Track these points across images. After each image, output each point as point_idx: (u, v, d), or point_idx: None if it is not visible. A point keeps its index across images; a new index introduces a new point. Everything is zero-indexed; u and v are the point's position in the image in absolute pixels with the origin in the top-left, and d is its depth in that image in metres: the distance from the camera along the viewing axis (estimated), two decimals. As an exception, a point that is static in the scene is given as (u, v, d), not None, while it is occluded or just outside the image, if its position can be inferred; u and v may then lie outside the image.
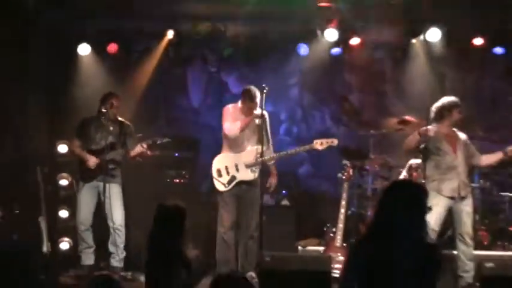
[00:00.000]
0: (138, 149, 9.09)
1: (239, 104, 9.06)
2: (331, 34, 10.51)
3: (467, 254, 8.57)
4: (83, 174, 9.19)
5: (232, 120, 8.94)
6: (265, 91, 8.63)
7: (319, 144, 8.99)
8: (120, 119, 9.31)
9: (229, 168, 8.97)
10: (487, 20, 10.45)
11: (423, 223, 4.68)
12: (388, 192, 4.78)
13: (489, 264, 8.04)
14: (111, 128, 9.15)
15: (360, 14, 10.34)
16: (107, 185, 8.95)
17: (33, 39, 10.13)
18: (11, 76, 9.49)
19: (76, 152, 9.25)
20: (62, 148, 9.97)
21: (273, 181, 9.11)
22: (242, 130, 8.84)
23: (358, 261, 4.57)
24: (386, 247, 4.46)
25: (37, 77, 10.36)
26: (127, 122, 9.37)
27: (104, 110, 9.10)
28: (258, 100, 8.67)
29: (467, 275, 8.52)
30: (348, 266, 4.76)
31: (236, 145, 8.98)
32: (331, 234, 9.19)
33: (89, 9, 10.14)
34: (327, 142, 8.99)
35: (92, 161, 9.01)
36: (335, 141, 9.06)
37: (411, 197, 4.61)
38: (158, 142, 9.34)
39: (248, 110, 8.85)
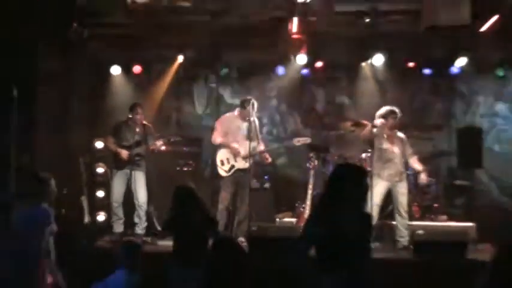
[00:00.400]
0: (157, 144, 9.22)
1: (236, 112, 9.28)
2: (301, 59, 10.55)
3: (402, 224, 8.75)
4: (116, 164, 9.30)
5: (220, 131, 9.21)
6: (251, 102, 8.94)
7: (296, 141, 9.36)
8: (144, 122, 9.41)
9: (229, 159, 9.12)
10: (418, 48, 10.53)
11: (362, 196, 4.73)
12: (336, 173, 4.82)
13: (420, 232, 8.18)
14: (137, 130, 9.26)
15: (322, 43, 10.38)
16: (134, 172, 9.11)
17: (78, 63, 10.21)
18: (61, 90, 9.47)
19: (111, 147, 9.33)
20: (99, 144, 10.04)
21: (268, 159, 9.44)
22: (220, 146, 9.14)
23: (311, 230, 4.58)
24: (334, 216, 4.45)
25: (80, 91, 10.41)
26: (148, 125, 9.50)
27: (131, 116, 9.29)
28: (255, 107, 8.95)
29: (403, 239, 8.68)
30: (302, 234, 4.73)
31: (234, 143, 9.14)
32: (301, 209, 9.33)
33: (119, 40, 10.25)
34: (303, 140, 9.40)
35: (124, 153, 9.11)
36: (308, 140, 9.47)
37: (354, 176, 4.62)
38: (172, 140, 9.56)
39: (247, 115, 9.03)
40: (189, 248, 6.23)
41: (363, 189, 4.70)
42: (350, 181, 4.60)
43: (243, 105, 9.12)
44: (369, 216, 4.89)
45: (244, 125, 9.15)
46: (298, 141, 9.41)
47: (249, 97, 9.20)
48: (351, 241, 4.43)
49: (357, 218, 4.56)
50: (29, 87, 8.33)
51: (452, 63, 10.68)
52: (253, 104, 9.02)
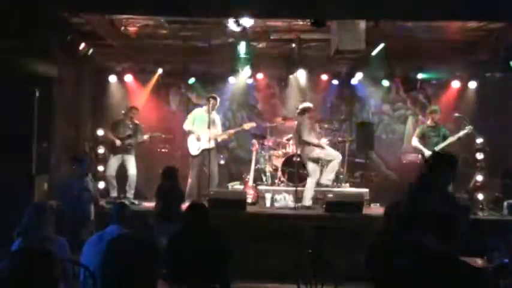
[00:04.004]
0: (144, 138, 9.20)
1: (203, 107, 9.15)
2: (246, 72, 10.34)
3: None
4: (112, 151, 9.11)
5: (190, 121, 9.15)
6: (211, 102, 8.91)
7: (245, 126, 9.47)
8: (135, 121, 9.25)
9: (198, 141, 8.97)
10: (328, 65, 10.48)
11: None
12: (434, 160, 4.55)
13: (330, 195, 8.14)
14: (130, 126, 9.14)
15: (262, 60, 10.26)
16: (126, 156, 9.02)
17: (85, 72, 9.87)
18: (72, 91, 9.23)
19: (110, 138, 9.12)
20: (100, 132, 9.59)
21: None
22: (189, 132, 9.05)
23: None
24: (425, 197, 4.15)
25: (86, 93, 10.10)
26: (139, 123, 9.29)
27: (130, 115, 9.25)
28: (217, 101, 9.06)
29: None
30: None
31: (201, 130, 8.99)
32: (246, 179, 9.22)
33: (115, 56, 10.03)
34: (250, 124, 9.50)
35: (118, 142, 8.97)
36: (254, 124, 9.55)
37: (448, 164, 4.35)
38: (155, 135, 9.57)
39: (213, 106, 9.00)
40: (169, 208, 6.43)
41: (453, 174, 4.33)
42: (443, 168, 4.28)
43: (208, 99, 9.01)
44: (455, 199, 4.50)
45: (208, 117, 8.94)
46: (247, 125, 9.45)
47: (213, 95, 9.13)
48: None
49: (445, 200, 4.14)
50: (48, 89, 8.01)
51: (352, 76, 10.62)
52: (209, 98, 9.00)
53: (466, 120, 8.92)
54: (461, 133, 8.57)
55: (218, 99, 9.14)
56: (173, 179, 6.79)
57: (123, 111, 9.36)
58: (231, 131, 9.65)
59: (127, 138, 9.01)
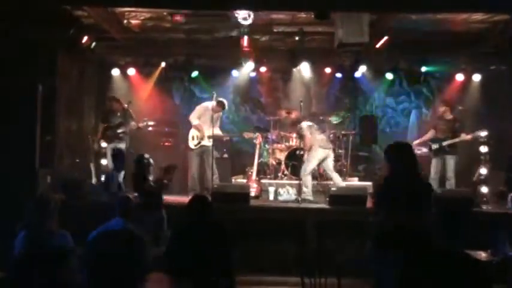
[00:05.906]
0: (139, 124, 8.95)
1: (210, 105, 9.03)
2: (250, 65, 10.32)
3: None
4: (107, 141, 8.93)
5: (197, 114, 9.06)
6: (214, 96, 8.75)
7: (245, 135, 9.53)
8: (124, 108, 9.02)
9: (198, 137, 8.95)
10: (332, 58, 10.40)
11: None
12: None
13: (333, 188, 8.08)
14: (118, 114, 9.00)
15: (265, 54, 10.24)
16: (118, 144, 8.89)
17: (88, 66, 9.91)
18: (75, 86, 9.24)
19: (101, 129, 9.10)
20: (102, 125, 9.45)
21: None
22: (194, 125, 9.01)
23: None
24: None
25: (89, 87, 10.14)
26: (129, 110, 9.02)
27: (114, 106, 9.12)
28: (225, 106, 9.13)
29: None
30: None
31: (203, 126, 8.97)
32: (250, 173, 9.20)
33: (118, 50, 10.05)
34: (250, 134, 9.48)
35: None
36: (252, 135, 9.45)
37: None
38: (148, 122, 9.38)
39: (217, 110, 9.00)
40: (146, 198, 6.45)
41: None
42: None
43: (218, 102, 8.98)
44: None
45: (214, 115, 8.92)
46: (247, 134, 9.47)
47: (224, 100, 9.11)
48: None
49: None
50: (51, 82, 8.00)
51: (356, 69, 10.54)
52: (223, 104, 8.99)
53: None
54: (475, 134, 8.52)
55: (226, 105, 9.21)
56: (145, 169, 6.71)
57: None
58: (228, 137, 9.85)
59: (118, 126, 8.91)
